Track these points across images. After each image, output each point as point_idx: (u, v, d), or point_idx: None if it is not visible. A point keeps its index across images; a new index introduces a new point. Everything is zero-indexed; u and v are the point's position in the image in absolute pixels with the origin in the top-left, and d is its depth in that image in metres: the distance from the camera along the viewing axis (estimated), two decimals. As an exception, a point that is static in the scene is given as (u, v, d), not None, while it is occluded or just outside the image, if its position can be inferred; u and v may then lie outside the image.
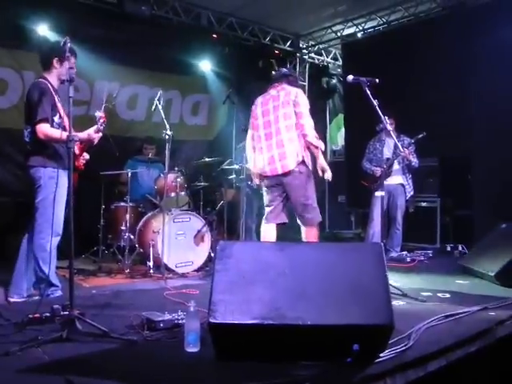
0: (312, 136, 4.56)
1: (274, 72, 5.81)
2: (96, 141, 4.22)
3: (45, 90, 4.00)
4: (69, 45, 3.15)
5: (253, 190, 6.78)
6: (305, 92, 10.28)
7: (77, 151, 4.17)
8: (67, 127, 3.92)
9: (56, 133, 3.94)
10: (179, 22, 7.85)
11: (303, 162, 4.59)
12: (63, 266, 4.20)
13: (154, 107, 5.61)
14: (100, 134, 4.19)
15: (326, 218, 9.18)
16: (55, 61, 4.11)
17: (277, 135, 4.64)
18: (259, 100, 4.90)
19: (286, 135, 4.60)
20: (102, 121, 4.08)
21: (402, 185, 6.54)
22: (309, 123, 4.60)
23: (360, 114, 6.35)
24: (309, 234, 4.65)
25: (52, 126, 4.00)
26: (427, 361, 2.62)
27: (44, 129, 3.95)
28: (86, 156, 4.36)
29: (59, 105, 4.11)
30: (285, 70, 5.10)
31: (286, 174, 4.58)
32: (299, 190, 4.59)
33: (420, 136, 6.25)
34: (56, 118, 4.06)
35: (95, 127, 4.11)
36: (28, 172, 4.09)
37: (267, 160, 4.68)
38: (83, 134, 4.11)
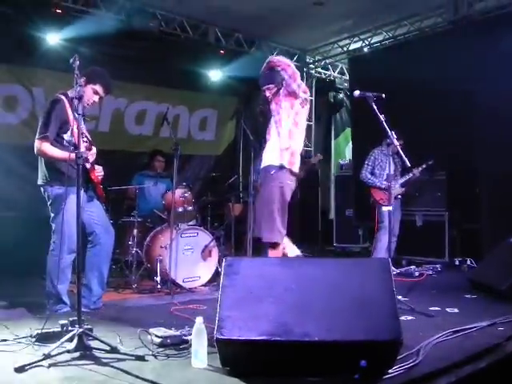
0: None
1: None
2: (91, 158, 4.13)
3: (56, 106, 3.97)
4: (77, 62, 3.17)
5: None
6: (311, 106, 10.35)
7: (87, 165, 4.09)
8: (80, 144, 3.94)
9: (55, 152, 3.96)
10: (187, 38, 7.92)
11: None
12: (71, 280, 4.21)
13: (161, 123, 5.63)
14: (94, 151, 4.14)
15: (334, 232, 9.17)
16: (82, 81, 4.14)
17: None
18: None
19: None
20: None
21: (400, 198, 6.60)
22: None
23: (367, 129, 6.34)
24: None
25: (62, 143, 3.99)
26: (436, 377, 2.59)
27: (41, 147, 3.96)
28: (99, 168, 4.26)
29: (74, 121, 4.07)
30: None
31: None
32: None
33: (429, 163, 6.33)
34: (66, 136, 4.04)
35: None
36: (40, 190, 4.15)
37: None
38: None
